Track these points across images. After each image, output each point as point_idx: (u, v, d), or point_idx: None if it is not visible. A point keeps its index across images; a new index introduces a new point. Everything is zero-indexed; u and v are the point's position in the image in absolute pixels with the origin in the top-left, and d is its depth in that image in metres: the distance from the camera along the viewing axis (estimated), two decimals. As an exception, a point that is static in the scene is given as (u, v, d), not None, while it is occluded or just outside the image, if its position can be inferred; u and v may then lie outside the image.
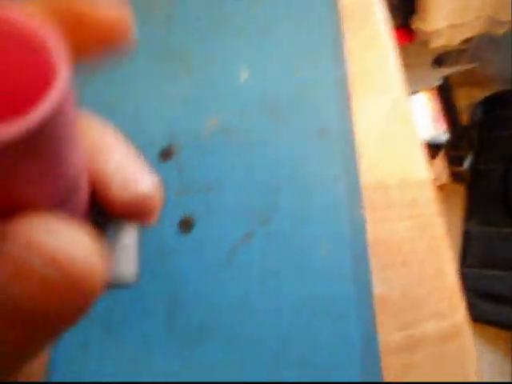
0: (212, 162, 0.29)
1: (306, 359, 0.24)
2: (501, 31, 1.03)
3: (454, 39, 1.01)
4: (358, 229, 0.27)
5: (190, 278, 0.26)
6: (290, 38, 0.33)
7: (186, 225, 0.27)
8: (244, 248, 0.27)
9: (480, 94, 1.37)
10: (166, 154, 0.30)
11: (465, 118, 1.38)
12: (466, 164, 1.28)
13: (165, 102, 0.32)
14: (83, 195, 0.11)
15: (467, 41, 1.08)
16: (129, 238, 0.15)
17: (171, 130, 0.31)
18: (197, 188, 0.29)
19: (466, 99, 1.40)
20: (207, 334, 0.25)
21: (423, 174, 0.29)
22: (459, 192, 1.28)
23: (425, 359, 0.25)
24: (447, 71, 1.01)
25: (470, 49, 1.13)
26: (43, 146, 0.08)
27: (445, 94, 1.11)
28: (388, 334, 0.25)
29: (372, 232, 0.27)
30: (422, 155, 0.30)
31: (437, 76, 0.98)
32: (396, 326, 0.25)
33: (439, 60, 1.05)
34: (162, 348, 0.25)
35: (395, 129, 0.31)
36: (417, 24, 0.98)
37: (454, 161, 1.22)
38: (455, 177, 1.23)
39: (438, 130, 1.01)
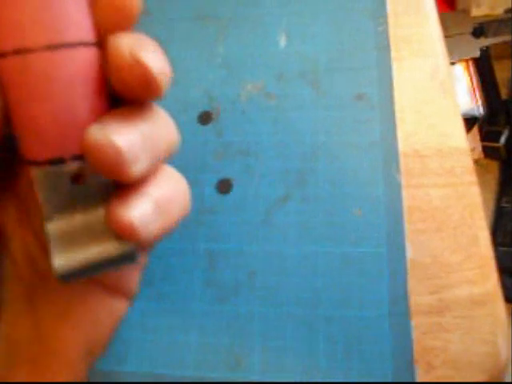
0: (250, 126, 0.30)
1: (337, 314, 0.25)
2: (548, 0, 0.98)
3: (496, 8, 0.97)
4: (394, 193, 0.27)
5: (227, 237, 0.28)
6: (329, 3, 0.33)
7: (224, 186, 0.28)
8: (281, 209, 0.28)
9: (521, 67, 1.30)
10: (204, 118, 0.31)
11: (504, 92, 1.32)
12: (503, 140, 1.24)
13: (203, 66, 0.33)
14: None
15: (510, 10, 1.02)
16: None
17: (210, 93, 0.32)
18: (235, 151, 0.29)
19: (506, 72, 1.34)
20: (243, 289, 0.26)
21: (461, 143, 0.29)
22: (493, 168, 1.25)
23: (454, 322, 0.25)
24: (487, 42, 0.97)
25: (513, 19, 1.08)
26: None
27: (484, 65, 1.07)
28: (418, 296, 0.26)
29: (407, 198, 0.28)
30: (460, 124, 0.30)
31: (476, 47, 0.95)
32: (427, 289, 0.26)
33: (479, 30, 1.00)
34: (200, 302, 0.27)
35: (434, 97, 0.30)
36: (458, -9, 0.94)
37: (489, 136, 1.18)
38: (490, 152, 1.19)
39: (474, 104, 0.98)
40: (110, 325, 0.18)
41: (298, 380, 0.24)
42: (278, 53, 0.32)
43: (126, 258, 0.15)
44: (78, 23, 0.13)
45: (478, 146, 1.10)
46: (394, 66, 0.31)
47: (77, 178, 0.14)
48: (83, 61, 0.13)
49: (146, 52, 0.13)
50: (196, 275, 0.27)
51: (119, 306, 0.18)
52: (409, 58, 0.31)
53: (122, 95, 0.14)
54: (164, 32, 0.34)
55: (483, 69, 1.04)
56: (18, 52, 0.12)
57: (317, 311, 0.26)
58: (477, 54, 0.94)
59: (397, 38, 0.32)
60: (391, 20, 0.32)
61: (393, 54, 0.31)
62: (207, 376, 0.25)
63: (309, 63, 0.31)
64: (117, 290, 0.18)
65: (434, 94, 0.30)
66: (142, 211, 0.14)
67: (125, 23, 0.13)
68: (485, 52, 1.01)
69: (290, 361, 0.25)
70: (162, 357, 0.26)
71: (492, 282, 0.26)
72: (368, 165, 0.28)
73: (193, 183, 0.29)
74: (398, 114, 0.30)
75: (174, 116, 0.17)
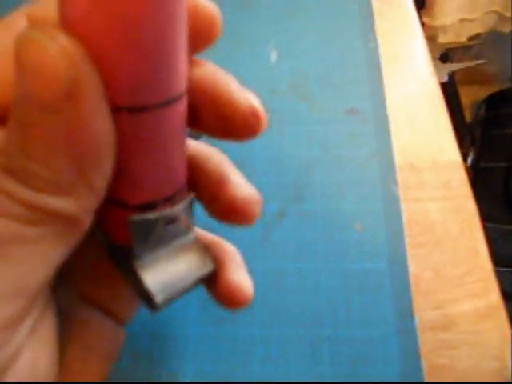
0: (243, 141, 0.29)
1: (342, 334, 0.24)
2: (508, 29, 1.03)
3: (462, 35, 1.01)
4: (393, 207, 0.27)
5: (223, 255, 0.26)
6: (320, 17, 0.33)
7: (220, 201, 0.27)
8: (278, 225, 0.27)
9: (484, 92, 1.37)
10: (196, 134, 0.30)
11: (468, 116, 1.38)
12: (469, 161, 1.29)
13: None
14: None
15: (474, 37, 1.08)
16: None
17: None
18: (228, 166, 0.28)
19: (470, 97, 1.40)
20: (242, 310, 0.25)
21: (455, 157, 0.29)
22: (462, 189, 1.28)
23: (460, 338, 0.25)
24: (454, 67, 1.02)
25: (476, 46, 1.14)
26: None
27: (450, 90, 1.11)
28: (422, 312, 0.25)
29: (405, 212, 0.27)
30: (452, 138, 0.30)
31: (444, 71, 0.99)
32: (430, 304, 0.25)
33: (445, 56, 1.05)
34: (196, 325, 0.25)
35: (426, 111, 0.31)
36: (424, 19, 0.98)
37: (458, 157, 1.22)
38: (459, 173, 1.23)
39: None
40: (113, 353, 0.16)
41: (304, 406, 0.23)
42: (268, 68, 0.32)
43: (208, 276, 0.17)
44: (185, 74, 0.12)
45: (448, 167, 1.13)
46: (386, 81, 0.31)
47: (171, 221, 0.14)
48: (184, 109, 0.13)
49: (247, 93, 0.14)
50: (191, 297, 0.26)
51: (119, 332, 0.17)
52: (400, 74, 0.32)
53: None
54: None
55: (449, 93, 1.08)
56: (133, 109, 0.11)
57: (320, 331, 0.24)
58: (445, 78, 0.98)
59: (387, 54, 0.32)
60: (380, 38, 0.33)
61: (384, 70, 0.31)
62: (205, 407, 0.23)
63: (300, 78, 0.31)
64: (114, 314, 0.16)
65: (425, 108, 0.31)
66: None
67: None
68: (450, 77, 1.06)
69: (295, 386, 0.23)
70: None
71: (495, 294, 0.26)
72: (365, 179, 0.28)
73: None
74: (391, 128, 0.30)
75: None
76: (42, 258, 0.10)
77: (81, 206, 0.10)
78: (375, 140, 0.29)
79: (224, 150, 0.29)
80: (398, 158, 0.29)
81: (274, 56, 0.32)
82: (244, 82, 0.32)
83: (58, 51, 0.09)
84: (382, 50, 0.32)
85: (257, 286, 0.25)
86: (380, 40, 0.33)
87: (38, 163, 0.09)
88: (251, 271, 0.26)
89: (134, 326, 0.25)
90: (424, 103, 0.31)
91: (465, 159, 1.30)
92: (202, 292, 0.25)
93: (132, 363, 0.24)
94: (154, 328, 0.25)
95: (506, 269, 1.09)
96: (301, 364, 0.24)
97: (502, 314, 0.25)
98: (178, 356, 0.24)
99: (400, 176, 0.28)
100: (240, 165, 0.28)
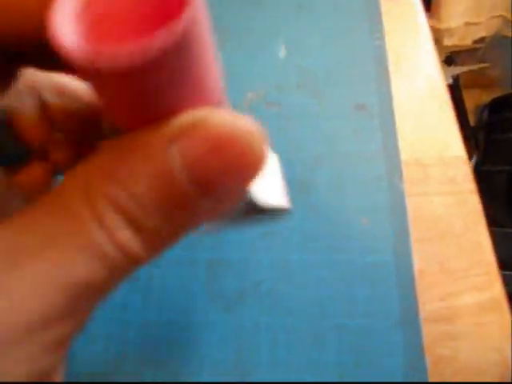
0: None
1: (348, 324, 0.24)
2: (512, 33, 1.04)
3: (467, 38, 1.02)
4: (398, 202, 0.27)
5: (228, 247, 0.27)
6: (328, 14, 0.34)
7: (229, 192, 0.27)
8: (284, 218, 0.27)
9: (487, 97, 1.37)
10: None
11: (471, 119, 1.38)
12: (472, 164, 1.29)
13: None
14: None
15: (479, 41, 1.08)
16: (273, 165, 0.15)
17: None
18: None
19: (474, 101, 1.41)
20: (247, 298, 0.25)
21: (460, 152, 0.30)
22: (465, 192, 1.28)
23: (463, 330, 0.25)
24: (458, 70, 1.02)
25: (480, 49, 1.14)
26: (190, 49, 0.09)
27: (454, 93, 1.11)
28: (426, 304, 0.25)
29: (410, 206, 0.28)
30: (457, 134, 0.31)
31: (448, 74, 0.99)
32: (434, 297, 0.26)
33: (450, 59, 1.05)
34: (203, 312, 0.25)
35: (432, 108, 0.31)
36: (430, 22, 0.99)
37: (461, 160, 1.22)
38: (462, 176, 1.23)
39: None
40: None
41: (309, 393, 0.23)
42: (277, 64, 0.32)
43: None
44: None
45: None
46: (393, 78, 0.32)
47: None
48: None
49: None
50: (197, 286, 0.26)
51: None
52: (406, 72, 0.32)
53: None
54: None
55: (454, 96, 1.09)
56: None
57: (325, 322, 0.25)
58: (449, 81, 0.98)
59: (394, 52, 0.33)
60: (388, 36, 0.33)
61: (391, 67, 0.32)
62: (212, 392, 0.24)
63: (308, 75, 0.32)
64: None
65: (431, 105, 0.31)
66: None
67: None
68: (455, 80, 1.06)
69: (299, 373, 0.24)
70: (164, 371, 0.24)
71: (498, 287, 0.26)
72: (371, 174, 0.28)
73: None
74: (398, 125, 0.30)
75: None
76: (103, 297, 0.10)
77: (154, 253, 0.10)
78: (381, 136, 0.29)
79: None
80: (404, 154, 0.29)
81: (282, 52, 0.32)
82: (253, 76, 0.32)
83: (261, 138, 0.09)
84: (389, 47, 0.33)
85: (263, 276, 0.26)
86: (387, 38, 0.33)
87: (148, 216, 0.09)
88: (257, 262, 0.26)
89: (144, 314, 0.25)
90: (430, 100, 0.31)
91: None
92: (211, 282, 0.26)
93: (141, 350, 0.25)
94: (161, 316, 0.25)
95: (508, 272, 1.09)
96: (306, 352, 0.24)
97: (504, 307, 0.26)
98: (185, 344, 0.25)
99: (406, 171, 0.29)
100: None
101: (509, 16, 0.98)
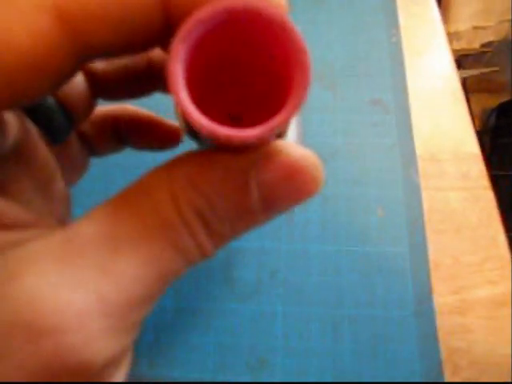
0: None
1: (363, 314, 0.25)
2: (520, 37, 1.04)
3: (475, 42, 1.02)
4: (414, 195, 0.27)
5: (247, 235, 0.27)
6: (345, 10, 0.34)
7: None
8: (303, 208, 0.27)
9: (493, 101, 1.37)
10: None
11: (477, 124, 1.38)
12: (478, 169, 1.28)
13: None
14: None
15: (487, 45, 1.08)
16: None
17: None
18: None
19: (480, 105, 1.41)
20: (264, 288, 0.26)
21: (474, 149, 0.30)
22: (470, 195, 1.28)
23: (477, 323, 0.25)
24: (465, 74, 1.02)
25: (488, 54, 1.14)
26: None
27: (461, 97, 1.12)
28: (441, 297, 0.26)
29: (426, 200, 0.28)
30: (471, 131, 0.31)
31: (456, 77, 0.99)
32: (449, 289, 0.26)
33: (458, 63, 1.05)
34: (220, 301, 0.26)
35: (447, 105, 0.31)
36: (439, 25, 0.99)
37: (467, 163, 1.22)
38: (467, 180, 1.23)
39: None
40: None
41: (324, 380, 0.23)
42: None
43: None
44: None
45: (457, 173, 1.13)
46: (408, 74, 0.32)
47: None
48: None
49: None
50: (214, 274, 0.26)
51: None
52: (421, 68, 0.32)
53: None
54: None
55: (461, 100, 1.09)
56: None
57: (341, 311, 0.25)
58: (456, 84, 0.98)
59: (410, 48, 0.33)
60: (404, 32, 0.33)
61: (406, 63, 0.32)
62: (227, 379, 0.24)
63: (325, 68, 0.32)
64: None
65: (446, 102, 0.31)
66: None
67: None
68: (463, 84, 1.06)
69: (315, 361, 0.24)
70: (179, 358, 0.24)
71: (511, 282, 0.26)
72: (387, 166, 0.28)
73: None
74: (413, 120, 0.30)
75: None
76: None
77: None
78: (397, 130, 0.29)
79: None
80: (420, 149, 0.29)
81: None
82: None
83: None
84: (404, 44, 0.33)
85: (280, 265, 0.26)
86: (404, 35, 0.33)
87: (221, 224, 0.11)
88: (274, 251, 0.27)
89: (161, 301, 0.25)
90: (445, 96, 0.32)
91: (473, 166, 1.29)
92: (227, 269, 0.26)
93: (156, 335, 0.25)
94: (178, 303, 0.26)
95: None
96: (321, 340, 0.24)
97: (518, 301, 0.26)
98: (200, 329, 0.25)
99: (421, 165, 0.29)
100: (265, 149, 0.29)
101: (518, 21, 0.98)
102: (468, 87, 1.24)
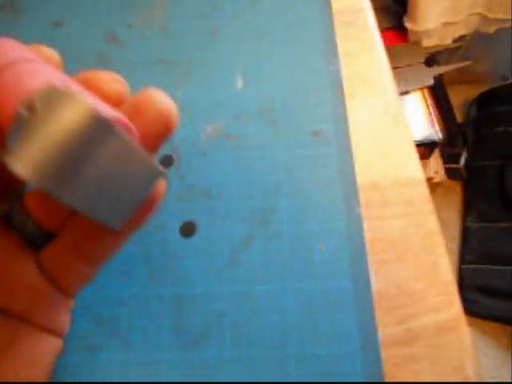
0: (212, 167, 0.30)
1: (308, 353, 0.25)
2: (492, 29, 1.04)
3: (446, 38, 1.02)
4: (355, 226, 0.28)
5: (194, 280, 0.27)
6: (286, 43, 0.34)
7: (188, 229, 0.28)
8: (246, 248, 0.28)
9: (474, 92, 1.38)
10: (166, 162, 0.31)
11: (459, 116, 1.39)
12: (462, 161, 1.29)
13: (164, 111, 0.33)
14: None
15: (459, 39, 1.09)
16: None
17: (170, 138, 0.32)
18: (197, 193, 0.30)
19: (460, 97, 1.41)
20: (212, 334, 0.26)
21: (416, 173, 0.30)
22: (456, 189, 1.29)
23: (423, 352, 0.26)
24: (440, 70, 1.03)
25: (461, 47, 1.15)
26: None
27: (439, 92, 1.12)
28: (386, 327, 0.26)
29: (368, 230, 0.28)
30: (414, 155, 0.31)
31: (430, 75, 1.00)
32: (394, 319, 0.26)
33: (431, 59, 1.06)
34: (169, 350, 0.26)
35: (388, 130, 0.32)
36: (408, 24, 0.99)
37: (449, 158, 1.23)
38: (452, 174, 1.24)
39: (433, 129, 1.02)
40: (46, 364, 0.18)
41: (271, 425, 0.24)
42: (235, 94, 0.33)
43: None
44: None
45: (441, 168, 1.14)
46: (348, 102, 0.32)
47: None
48: None
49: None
50: (164, 322, 0.27)
51: (52, 343, 0.18)
52: (362, 95, 0.33)
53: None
54: (123, 77, 0.35)
55: (438, 95, 1.09)
56: None
57: (287, 351, 0.25)
58: (431, 82, 0.99)
59: (349, 76, 0.33)
60: (343, 60, 0.34)
61: (346, 91, 0.32)
62: (179, 428, 0.24)
63: (265, 103, 0.32)
64: (48, 329, 0.18)
65: (387, 127, 0.32)
66: None
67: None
68: (438, 79, 1.07)
69: (263, 405, 0.24)
70: (131, 412, 0.25)
71: (456, 307, 0.27)
72: (328, 200, 0.29)
73: (156, 228, 0.29)
74: (354, 148, 0.31)
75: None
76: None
77: None
78: (338, 161, 0.30)
79: (192, 177, 0.30)
80: (361, 178, 0.30)
81: (240, 82, 0.33)
82: (212, 108, 0.33)
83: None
84: (344, 71, 0.33)
85: (226, 309, 0.27)
86: (344, 62, 0.34)
87: None
88: (220, 295, 0.27)
89: (105, 354, 0.26)
90: (386, 120, 0.32)
91: (458, 160, 1.30)
92: (174, 317, 0.27)
93: (108, 389, 0.25)
94: (124, 354, 0.26)
95: (503, 267, 1.09)
96: (269, 381, 0.25)
97: (463, 325, 0.26)
98: (153, 380, 0.25)
99: (363, 195, 0.29)
100: (208, 191, 0.30)
101: (487, 13, 0.98)
102: (447, 80, 1.24)
